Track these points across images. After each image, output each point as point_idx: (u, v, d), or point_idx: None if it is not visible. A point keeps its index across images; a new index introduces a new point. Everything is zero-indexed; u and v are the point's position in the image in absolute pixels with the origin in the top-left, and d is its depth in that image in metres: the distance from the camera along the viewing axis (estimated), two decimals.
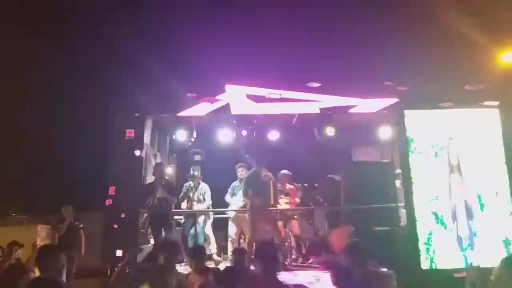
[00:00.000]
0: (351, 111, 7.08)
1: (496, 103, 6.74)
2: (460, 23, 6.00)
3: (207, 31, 6.45)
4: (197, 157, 7.88)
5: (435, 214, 6.21)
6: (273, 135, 7.94)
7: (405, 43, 6.11)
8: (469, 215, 6.27)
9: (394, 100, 6.83)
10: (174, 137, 7.67)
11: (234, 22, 6.25)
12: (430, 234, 6.13)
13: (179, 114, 7.06)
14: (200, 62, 6.68)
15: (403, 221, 6.52)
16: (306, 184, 8.50)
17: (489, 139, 6.54)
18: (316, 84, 6.93)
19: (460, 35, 6.04)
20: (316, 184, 8.75)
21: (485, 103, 6.72)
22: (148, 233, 7.40)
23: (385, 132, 7.35)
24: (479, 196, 6.32)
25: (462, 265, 5.94)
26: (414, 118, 6.58)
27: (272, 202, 7.07)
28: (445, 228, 6.17)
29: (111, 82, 6.82)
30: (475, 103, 6.71)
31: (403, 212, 6.53)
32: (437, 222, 6.18)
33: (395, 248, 6.24)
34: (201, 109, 7.08)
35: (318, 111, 7.17)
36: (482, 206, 6.30)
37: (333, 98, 7.05)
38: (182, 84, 6.61)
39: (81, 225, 6.79)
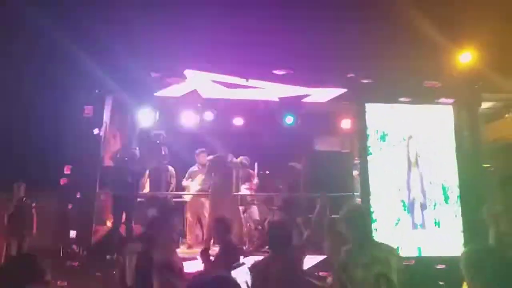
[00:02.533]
0: (304, 100, 7.18)
1: (451, 100, 7.08)
2: (421, 23, 6.20)
3: (173, 14, 6.28)
4: (157, 139, 7.79)
5: (403, 202, 6.55)
6: (237, 121, 7.95)
7: (368, 38, 6.25)
8: (424, 207, 6.61)
9: (343, 91, 7.00)
10: (135, 116, 7.49)
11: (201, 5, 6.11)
12: (398, 220, 6.46)
13: (155, 94, 6.89)
14: (163, 45, 6.49)
15: None
16: (267, 172, 8.60)
17: (445, 134, 6.91)
18: (281, 72, 6.95)
19: (421, 34, 6.24)
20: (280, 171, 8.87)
21: (441, 100, 7.03)
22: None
23: (346, 123, 7.54)
24: (444, 188, 6.67)
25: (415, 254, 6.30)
26: (375, 111, 6.83)
27: (233, 189, 7.11)
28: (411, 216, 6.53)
29: (71, 56, 6.51)
30: (432, 100, 7.02)
31: (359, 201, 6.76)
32: (404, 210, 6.52)
33: None
34: (173, 91, 6.94)
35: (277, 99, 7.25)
36: (447, 198, 6.66)
37: (293, 88, 7.10)
38: (147, 64, 6.43)
39: (34, 204, 6.54)
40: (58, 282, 5.64)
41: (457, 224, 6.56)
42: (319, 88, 7.01)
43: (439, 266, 5.80)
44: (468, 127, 6.99)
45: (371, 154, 6.68)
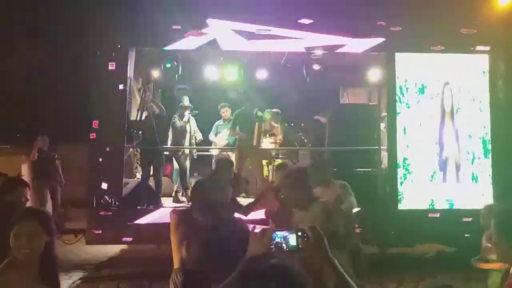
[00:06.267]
0: (338, 50, 6.91)
1: (487, 48, 6.65)
2: None
3: None
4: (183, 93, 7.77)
5: (439, 156, 6.39)
6: (262, 74, 7.81)
7: None
8: (458, 162, 6.43)
9: (381, 40, 6.66)
10: (159, 71, 7.47)
11: None
12: (434, 173, 6.35)
13: (166, 48, 6.81)
14: None
15: (385, 164, 6.68)
16: (292, 124, 8.54)
17: (484, 85, 6.57)
18: (308, 21, 6.65)
19: None
20: (302, 124, 8.80)
21: (477, 48, 6.62)
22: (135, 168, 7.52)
23: (374, 75, 7.28)
24: (484, 142, 6.46)
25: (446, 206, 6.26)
26: (413, 63, 6.53)
27: (258, 143, 7.14)
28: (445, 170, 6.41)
29: (93, 11, 6.46)
30: (467, 48, 6.62)
31: (385, 154, 6.67)
32: (439, 164, 6.38)
33: (375, 189, 6.48)
34: (189, 43, 6.81)
35: (304, 50, 7.00)
36: (487, 152, 6.45)
37: (323, 37, 6.81)
38: (167, 16, 6.28)
39: (56, 155, 6.82)
40: (93, 230, 5.98)
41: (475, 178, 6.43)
42: (354, 38, 6.67)
43: (465, 219, 5.73)
44: (503, 75, 6.60)
45: (409, 107, 6.45)
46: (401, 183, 6.29)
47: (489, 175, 6.41)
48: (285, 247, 1.90)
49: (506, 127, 6.47)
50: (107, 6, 6.31)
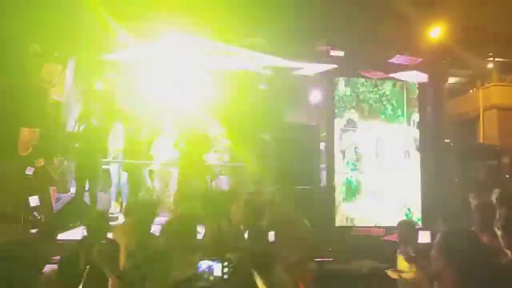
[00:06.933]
0: (295, 73, 7.12)
1: (417, 76, 7.15)
2: None
3: None
4: None
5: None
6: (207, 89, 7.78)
7: (338, 12, 6.17)
8: (390, 185, 6.80)
9: (331, 66, 6.95)
10: (98, 82, 7.22)
11: None
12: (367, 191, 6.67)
13: (108, 58, 6.60)
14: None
15: (323, 182, 6.89)
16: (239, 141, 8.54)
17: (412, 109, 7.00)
18: (258, 41, 6.79)
19: (393, 7, 6.18)
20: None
21: (408, 76, 7.09)
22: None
23: (315, 96, 7.55)
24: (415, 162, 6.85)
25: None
26: (347, 86, 6.83)
27: (202, 159, 7.07)
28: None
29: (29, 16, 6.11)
30: (399, 76, 7.08)
31: (324, 173, 6.88)
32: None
33: (313, 206, 6.64)
34: (134, 54, 6.65)
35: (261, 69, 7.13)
36: (417, 171, 6.86)
37: (273, 58, 6.97)
38: (110, 24, 6.10)
39: None
40: None
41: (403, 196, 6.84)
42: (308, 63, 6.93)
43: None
44: (433, 103, 7.12)
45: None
46: (343, 199, 6.54)
47: (418, 195, 6.80)
48: (209, 277, 1.83)
49: (432, 148, 6.96)
50: (47, 10, 6.01)
